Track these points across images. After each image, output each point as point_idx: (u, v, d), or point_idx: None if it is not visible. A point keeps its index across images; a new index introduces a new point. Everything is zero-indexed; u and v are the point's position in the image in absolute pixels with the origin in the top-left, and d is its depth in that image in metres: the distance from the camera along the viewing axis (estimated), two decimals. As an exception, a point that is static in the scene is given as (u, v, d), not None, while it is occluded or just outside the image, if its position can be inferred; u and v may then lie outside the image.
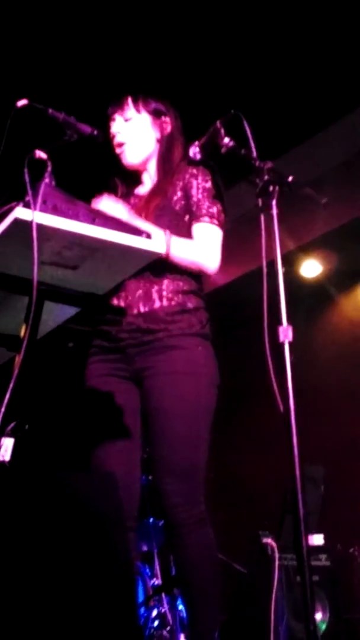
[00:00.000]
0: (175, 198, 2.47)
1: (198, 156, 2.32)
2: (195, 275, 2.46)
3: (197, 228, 2.44)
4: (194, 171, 2.48)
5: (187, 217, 2.47)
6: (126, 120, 2.52)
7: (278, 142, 4.51)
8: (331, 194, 2.19)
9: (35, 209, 1.63)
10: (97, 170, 2.63)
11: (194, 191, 2.46)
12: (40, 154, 1.84)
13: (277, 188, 2.08)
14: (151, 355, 2.36)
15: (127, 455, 2.39)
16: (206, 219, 2.43)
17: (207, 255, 2.41)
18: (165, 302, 2.38)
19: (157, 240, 2.27)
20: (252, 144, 2.21)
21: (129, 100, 2.53)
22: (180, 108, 2.61)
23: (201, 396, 2.36)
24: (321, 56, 4.27)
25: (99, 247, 1.73)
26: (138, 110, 2.53)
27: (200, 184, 2.46)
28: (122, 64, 4.20)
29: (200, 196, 2.45)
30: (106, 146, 2.52)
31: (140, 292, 2.40)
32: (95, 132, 2.20)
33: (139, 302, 2.39)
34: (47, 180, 1.72)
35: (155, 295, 2.39)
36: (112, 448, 2.37)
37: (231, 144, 2.24)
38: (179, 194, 2.47)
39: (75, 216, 1.69)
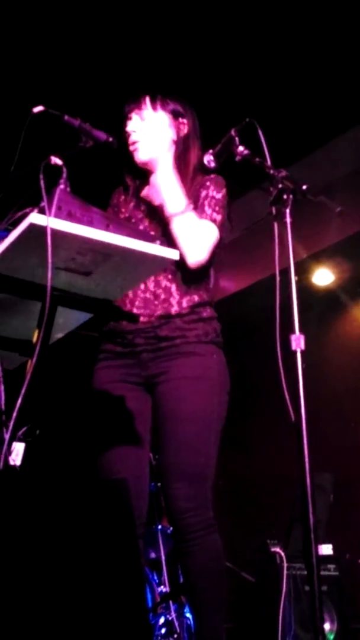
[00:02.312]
0: None
1: (212, 164, 2.33)
2: (205, 288, 2.48)
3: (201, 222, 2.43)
4: (207, 183, 2.49)
5: None
6: (143, 119, 2.51)
7: (291, 149, 4.51)
8: (344, 202, 2.19)
9: (50, 214, 1.63)
10: (112, 176, 2.64)
11: (201, 200, 2.46)
12: (56, 160, 1.84)
13: (291, 196, 2.08)
14: (166, 360, 2.38)
15: (136, 462, 2.39)
16: (208, 219, 2.42)
17: (192, 246, 2.38)
18: (182, 312, 2.40)
19: (179, 205, 2.37)
20: (267, 152, 2.21)
21: (147, 99, 2.52)
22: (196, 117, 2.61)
23: (214, 403, 2.37)
24: (335, 63, 4.27)
25: (113, 253, 1.73)
26: (155, 110, 2.51)
27: (209, 194, 2.47)
28: (136, 70, 4.21)
29: (207, 201, 2.45)
30: (121, 151, 2.53)
31: (156, 302, 2.41)
32: (111, 139, 2.21)
33: (156, 311, 2.40)
34: (62, 186, 1.73)
35: (173, 305, 2.40)
36: (121, 455, 2.38)
37: (246, 152, 2.25)
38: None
39: (89, 222, 1.70)
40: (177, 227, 2.38)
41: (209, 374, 2.38)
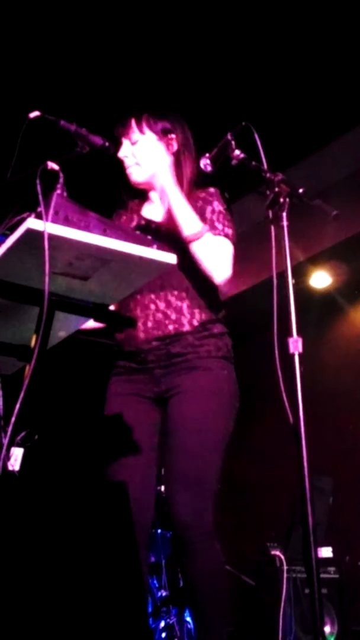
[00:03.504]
0: None
1: (209, 168, 2.34)
2: (215, 305, 2.50)
3: (216, 239, 2.45)
4: (210, 198, 2.51)
5: None
6: (133, 143, 2.54)
7: (288, 153, 4.52)
8: (341, 205, 2.20)
9: (47, 219, 1.64)
10: (108, 181, 2.65)
11: (208, 214, 2.48)
12: (52, 166, 1.85)
13: (287, 200, 2.08)
14: (177, 375, 2.40)
15: (142, 472, 2.40)
16: (222, 235, 2.46)
17: (217, 264, 2.43)
18: (193, 328, 2.43)
19: (196, 227, 2.38)
20: (263, 156, 2.22)
21: (133, 122, 2.54)
22: (192, 121, 2.61)
23: (222, 416, 2.39)
24: (332, 68, 4.28)
25: (110, 258, 1.73)
26: (142, 132, 2.53)
27: (216, 209, 2.49)
28: (132, 75, 4.22)
29: (215, 217, 2.48)
30: (117, 158, 2.54)
31: (167, 322, 2.43)
32: (107, 144, 2.21)
33: (168, 330, 2.43)
34: (59, 191, 1.73)
35: (184, 324, 2.43)
36: (128, 464, 2.39)
37: (242, 155, 2.25)
38: None
39: (86, 227, 1.70)
40: (199, 249, 2.40)
41: (219, 388, 2.40)
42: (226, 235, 2.46)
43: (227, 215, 2.51)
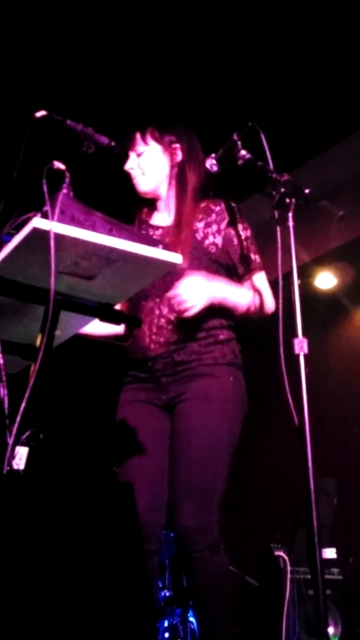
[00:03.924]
0: (207, 242, 2.50)
1: (214, 168, 2.34)
2: (221, 311, 2.48)
3: (257, 279, 2.54)
4: (223, 214, 2.53)
5: (220, 259, 2.52)
6: (138, 155, 2.58)
7: (294, 155, 4.51)
8: (346, 206, 2.20)
9: (53, 219, 1.64)
10: (114, 180, 2.66)
11: (236, 241, 2.52)
12: (59, 165, 1.85)
13: (293, 200, 2.08)
14: (184, 382, 2.41)
15: (152, 474, 2.40)
16: (261, 270, 2.54)
17: (271, 302, 2.53)
18: (198, 335, 2.43)
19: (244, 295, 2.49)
20: (269, 156, 2.22)
21: (137, 135, 2.58)
22: (198, 123, 2.63)
23: (228, 423, 2.39)
24: (338, 69, 4.27)
25: (116, 258, 1.73)
26: (147, 143, 2.58)
27: (242, 233, 2.53)
28: (138, 76, 4.22)
29: (249, 247, 2.53)
30: (123, 158, 2.56)
31: (171, 328, 2.44)
32: (113, 144, 2.21)
33: (172, 337, 2.43)
34: (65, 191, 1.73)
35: (188, 330, 2.43)
36: (137, 466, 2.39)
37: (248, 156, 2.26)
38: (212, 239, 2.51)
39: (92, 227, 1.70)
40: (254, 306, 2.52)
41: (225, 395, 2.40)
42: (260, 265, 2.53)
43: (252, 235, 2.54)
